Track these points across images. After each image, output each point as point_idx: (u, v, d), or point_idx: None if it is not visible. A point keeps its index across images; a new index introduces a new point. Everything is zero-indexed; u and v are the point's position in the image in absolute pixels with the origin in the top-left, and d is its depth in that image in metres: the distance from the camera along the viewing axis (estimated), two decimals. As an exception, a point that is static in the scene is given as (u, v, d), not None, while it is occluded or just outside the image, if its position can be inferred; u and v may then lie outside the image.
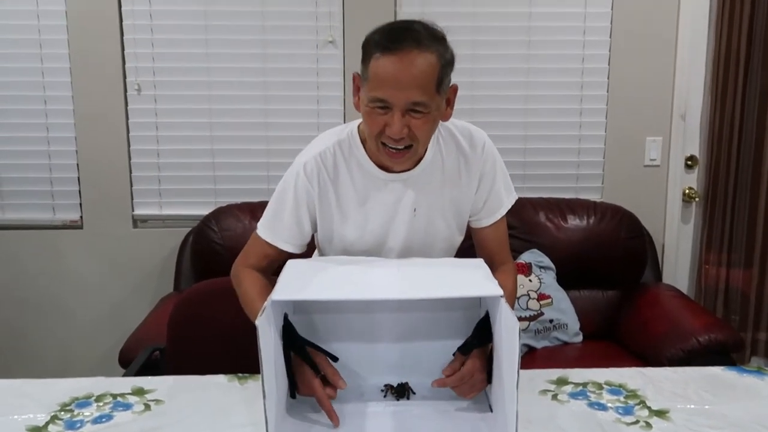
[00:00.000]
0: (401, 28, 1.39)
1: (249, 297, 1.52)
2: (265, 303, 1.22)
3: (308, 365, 1.36)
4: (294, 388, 1.38)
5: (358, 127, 1.57)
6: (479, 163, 1.58)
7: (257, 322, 1.16)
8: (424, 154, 1.54)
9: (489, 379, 1.39)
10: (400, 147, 1.43)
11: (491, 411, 1.39)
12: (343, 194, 1.57)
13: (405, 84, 1.35)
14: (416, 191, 1.57)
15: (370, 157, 1.54)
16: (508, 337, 1.20)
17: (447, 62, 1.41)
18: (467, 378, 1.37)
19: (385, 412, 1.40)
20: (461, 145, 1.58)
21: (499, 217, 1.65)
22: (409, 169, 1.54)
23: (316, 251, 1.75)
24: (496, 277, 1.59)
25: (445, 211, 1.60)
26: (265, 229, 1.59)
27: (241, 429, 1.34)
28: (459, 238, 1.68)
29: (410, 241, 1.60)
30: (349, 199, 1.57)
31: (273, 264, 1.61)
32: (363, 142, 1.55)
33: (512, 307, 1.65)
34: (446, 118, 1.50)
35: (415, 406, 1.43)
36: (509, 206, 1.66)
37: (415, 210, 1.58)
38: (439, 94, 1.40)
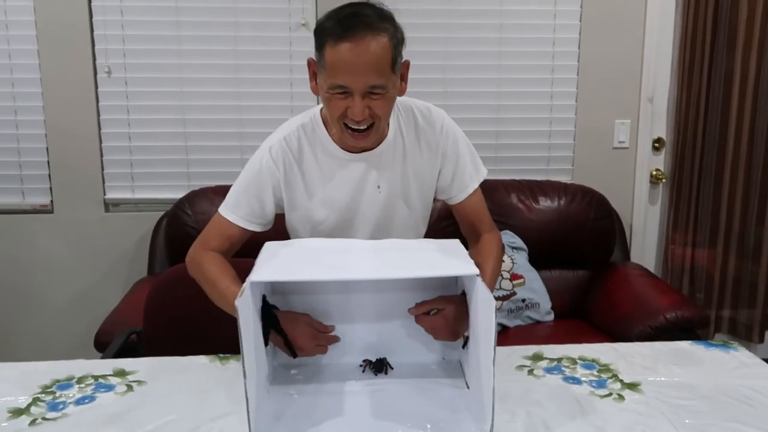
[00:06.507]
0: (352, 13, 1.41)
1: (215, 277, 1.52)
2: (244, 285, 1.23)
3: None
4: (292, 349, 1.44)
5: (321, 111, 1.61)
6: (439, 141, 1.63)
7: (237, 303, 1.16)
8: (386, 134, 1.59)
9: (464, 343, 1.46)
10: (362, 128, 1.48)
11: (468, 388, 1.42)
12: (309, 175, 1.61)
13: (362, 69, 1.39)
14: (379, 169, 1.61)
15: (333, 139, 1.59)
16: (485, 315, 1.22)
17: (398, 41, 1.45)
18: (438, 325, 1.45)
19: (362, 391, 1.42)
20: (420, 123, 1.63)
21: (471, 190, 1.69)
22: (371, 149, 1.59)
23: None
24: (479, 247, 1.66)
25: (409, 187, 1.65)
26: (228, 209, 1.62)
27: (222, 408, 1.35)
28: (424, 213, 1.73)
29: (376, 217, 1.65)
30: (315, 179, 1.61)
31: (234, 246, 1.63)
32: (325, 124, 1.60)
33: (498, 272, 1.70)
34: (402, 92, 1.54)
35: (392, 384, 1.45)
36: (479, 180, 1.69)
37: (378, 187, 1.62)
38: (394, 73, 1.45)
